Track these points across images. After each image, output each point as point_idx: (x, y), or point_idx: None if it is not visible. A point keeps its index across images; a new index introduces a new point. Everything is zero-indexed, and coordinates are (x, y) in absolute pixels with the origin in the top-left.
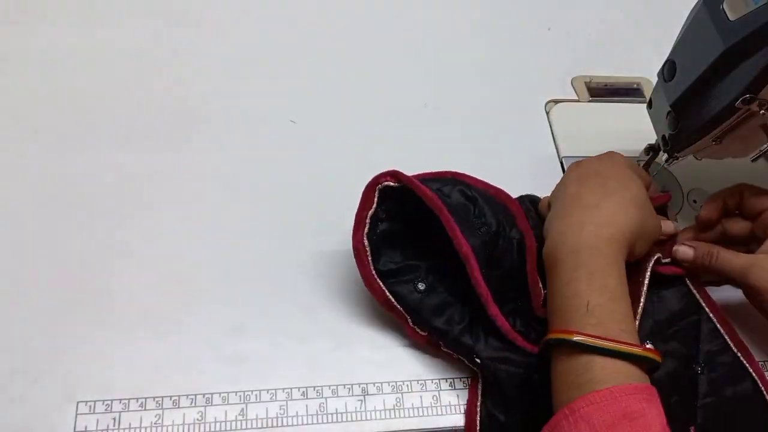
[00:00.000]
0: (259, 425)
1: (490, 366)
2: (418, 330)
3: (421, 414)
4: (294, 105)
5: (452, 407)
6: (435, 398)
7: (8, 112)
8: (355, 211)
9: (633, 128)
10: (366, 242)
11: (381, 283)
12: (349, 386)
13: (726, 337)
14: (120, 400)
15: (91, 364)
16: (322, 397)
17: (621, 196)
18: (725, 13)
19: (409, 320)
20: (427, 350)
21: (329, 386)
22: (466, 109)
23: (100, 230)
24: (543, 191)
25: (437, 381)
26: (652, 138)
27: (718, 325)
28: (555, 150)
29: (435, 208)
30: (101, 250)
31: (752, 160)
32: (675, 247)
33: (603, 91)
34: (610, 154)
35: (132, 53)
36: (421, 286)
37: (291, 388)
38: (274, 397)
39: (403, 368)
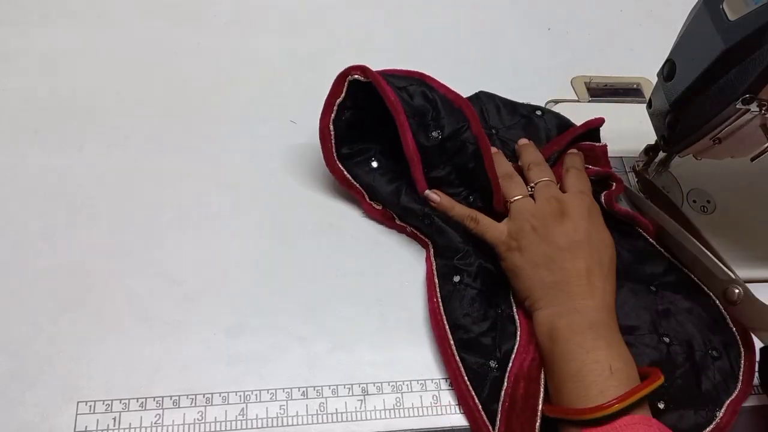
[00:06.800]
0: (259, 425)
1: (440, 219)
2: (374, 205)
3: (421, 414)
4: (294, 105)
5: (452, 407)
6: (435, 398)
7: (8, 111)
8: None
9: (633, 128)
10: (331, 128)
11: (341, 165)
12: (349, 386)
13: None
14: (120, 400)
15: (91, 364)
16: (322, 397)
17: (614, 275)
18: (725, 13)
19: (366, 196)
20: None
21: (329, 386)
22: None
23: (100, 230)
24: None
25: (437, 381)
26: (652, 138)
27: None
28: None
29: (392, 109)
30: (101, 250)
31: (752, 160)
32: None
33: (603, 92)
34: (581, 203)
35: (132, 53)
36: (374, 164)
37: (291, 388)
38: (274, 397)
39: (403, 368)
